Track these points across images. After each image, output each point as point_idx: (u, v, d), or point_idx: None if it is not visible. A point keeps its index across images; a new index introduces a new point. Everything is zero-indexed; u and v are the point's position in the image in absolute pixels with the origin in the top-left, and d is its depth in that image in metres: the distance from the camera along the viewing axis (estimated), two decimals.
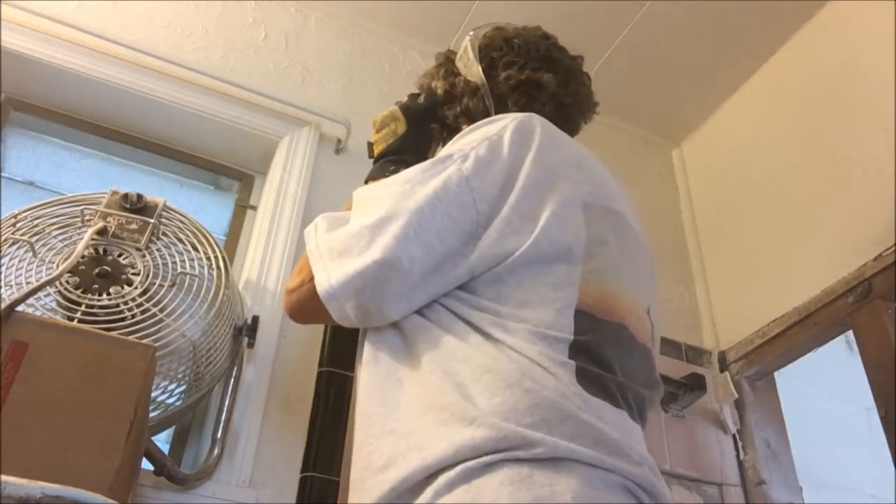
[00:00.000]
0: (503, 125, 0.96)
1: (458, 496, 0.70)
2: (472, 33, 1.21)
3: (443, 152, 0.96)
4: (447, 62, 1.25)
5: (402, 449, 0.77)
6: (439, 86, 1.23)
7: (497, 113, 1.11)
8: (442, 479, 0.72)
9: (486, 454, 0.72)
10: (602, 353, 0.84)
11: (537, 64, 1.16)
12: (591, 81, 1.24)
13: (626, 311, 0.91)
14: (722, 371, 1.82)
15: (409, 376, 0.84)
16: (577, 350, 0.82)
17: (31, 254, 1.07)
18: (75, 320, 1.00)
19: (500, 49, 1.18)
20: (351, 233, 0.89)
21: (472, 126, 1.00)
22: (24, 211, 1.14)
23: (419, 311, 0.89)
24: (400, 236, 0.85)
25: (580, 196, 0.94)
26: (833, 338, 1.66)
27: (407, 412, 0.80)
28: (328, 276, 0.87)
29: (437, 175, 0.91)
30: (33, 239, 1.09)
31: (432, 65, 1.29)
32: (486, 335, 0.82)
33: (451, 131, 1.13)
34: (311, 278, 0.90)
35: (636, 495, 0.75)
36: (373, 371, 0.88)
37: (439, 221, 0.87)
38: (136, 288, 1.09)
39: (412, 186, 0.90)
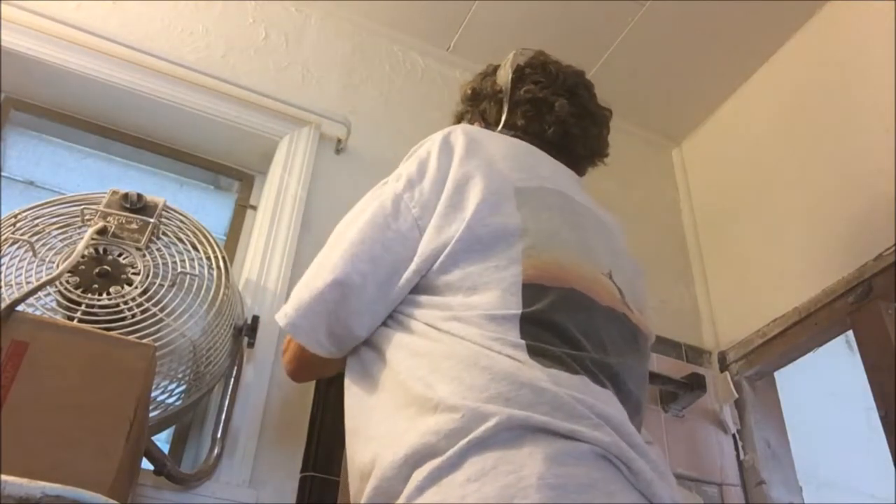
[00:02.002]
0: (431, 142, 1.05)
1: (428, 499, 0.70)
2: (519, 50, 1.28)
3: (389, 177, 1.05)
4: (490, 69, 1.31)
5: (379, 451, 0.79)
6: (469, 86, 1.31)
7: (507, 120, 1.20)
8: (413, 482, 0.72)
9: (450, 443, 0.72)
10: (554, 319, 0.86)
11: (559, 90, 1.22)
12: (608, 133, 1.29)
13: (577, 276, 0.93)
14: (722, 371, 1.82)
15: (382, 383, 0.88)
16: (529, 323, 0.84)
17: (31, 253, 1.07)
18: (75, 320, 1.00)
19: (534, 68, 1.25)
20: (308, 271, 0.99)
21: (411, 151, 1.08)
22: (24, 211, 1.14)
23: (382, 322, 0.95)
24: (346, 256, 0.93)
25: (510, 182, 1.00)
26: (833, 338, 1.66)
27: (382, 417, 0.84)
28: (285, 310, 0.96)
29: (375, 199, 1.00)
30: (33, 239, 1.09)
31: (428, 62, 1.39)
32: (443, 331, 0.86)
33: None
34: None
35: (611, 461, 0.73)
36: (354, 391, 0.92)
37: (380, 234, 0.95)
38: (136, 287, 1.09)
39: (355, 215, 1.00)
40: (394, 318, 0.94)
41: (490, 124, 1.23)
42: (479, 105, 1.27)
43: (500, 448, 0.71)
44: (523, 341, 0.83)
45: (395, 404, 0.82)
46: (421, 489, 0.71)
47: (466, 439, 0.72)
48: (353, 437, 0.89)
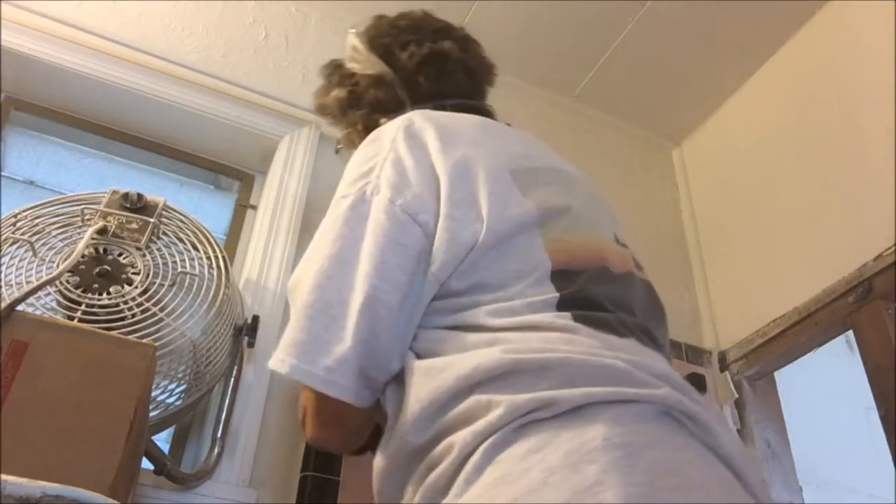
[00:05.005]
0: (391, 139, 0.92)
1: (487, 478, 0.65)
2: (352, 30, 1.19)
3: (346, 190, 0.88)
4: (336, 70, 1.20)
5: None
6: (339, 94, 1.17)
7: (410, 96, 1.11)
8: (470, 465, 0.67)
9: (503, 424, 0.67)
10: (590, 295, 0.83)
11: (433, 36, 1.15)
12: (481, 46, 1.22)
13: (598, 249, 0.90)
14: (722, 371, 1.82)
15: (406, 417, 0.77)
16: (566, 304, 0.81)
17: (31, 253, 1.07)
18: (75, 320, 1.00)
19: (389, 34, 1.16)
20: (318, 316, 0.79)
21: (356, 153, 0.94)
22: (25, 210, 1.14)
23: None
24: (368, 293, 0.79)
25: (503, 167, 0.92)
26: (833, 338, 1.66)
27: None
28: (311, 369, 0.77)
29: (363, 221, 0.84)
30: (33, 238, 1.09)
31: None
32: (474, 330, 0.79)
33: (368, 131, 1.03)
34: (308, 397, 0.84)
35: (674, 416, 0.69)
36: (384, 452, 0.78)
37: (392, 257, 0.81)
38: (136, 287, 1.09)
39: (349, 244, 0.83)
40: (414, 337, 0.83)
41: (393, 111, 1.09)
42: (364, 102, 1.14)
43: (559, 421, 0.67)
44: (567, 312, 0.78)
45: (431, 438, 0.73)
46: (479, 470, 0.66)
47: (523, 418, 0.67)
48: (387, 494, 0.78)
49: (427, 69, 1.12)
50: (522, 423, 0.67)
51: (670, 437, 0.67)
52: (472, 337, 0.78)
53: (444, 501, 0.68)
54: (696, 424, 0.70)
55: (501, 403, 0.68)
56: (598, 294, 0.84)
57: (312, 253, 0.85)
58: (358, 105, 1.15)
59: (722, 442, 0.70)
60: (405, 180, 0.87)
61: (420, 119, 0.94)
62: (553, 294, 0.81)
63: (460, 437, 0.69)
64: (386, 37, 1.15)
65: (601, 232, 0.94)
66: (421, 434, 0.73)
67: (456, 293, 0.83)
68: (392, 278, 0.80)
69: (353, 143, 1.16)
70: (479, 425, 0.68)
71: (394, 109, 1.09)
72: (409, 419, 0.74)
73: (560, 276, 0.84)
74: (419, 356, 0.80)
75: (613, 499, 0.58)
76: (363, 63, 1.15)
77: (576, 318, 0.78)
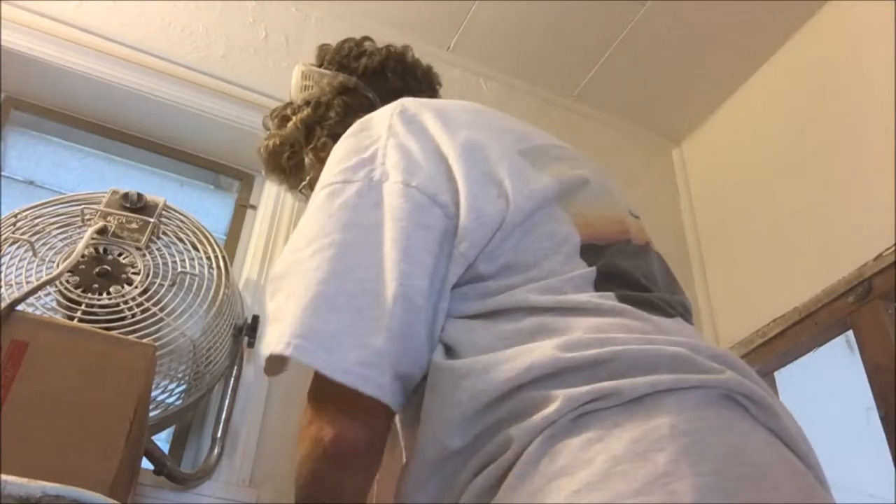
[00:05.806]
0: (387, 126, 0.86)
1: (544, 471, 0.61)
2: (298, 65, 1.22)
3: (346, 176, 0.81)
4: (287, 106, 1.18)
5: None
6: (300, 116, 1.13)
7: (379, 95, 1.10)
8: (526, 456, 0.63)
9: (561, 414, 0.63)
10: (623, 272, 0.80)
11: (383, 47, 1.18)
12: None
13: (618, 222, 0.88)
14: None
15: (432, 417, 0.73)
16: (605, 282, 0.77)
17: (31, 253, 1.07)
18: (75, 320, 1.00)
19: (338, 52, 1.18)
20: (334, 307, 0.71)
21: (339, 143, 0.88)
22: (25, 210, 1.14)
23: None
24: (401, 281, 0.73)
25: (510, 146, 0.88)
26: (833, 338, 1.65)
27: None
28: (342, 364, 0.68)
29: (376, 207, 0.78)
30: (33, 238, 1.09)
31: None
32: (509, 311, 0.74)
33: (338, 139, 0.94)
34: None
35: (737, 401, 0.66)
36: (413, 459, 0.73)
37: (417, 240, 0.76)
38: (136, 287, 1.09)
39: (366, 232, 0.77)
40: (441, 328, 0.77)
41: (366, 112, 0.98)
42: (332, 111, 1.10)
43: (621, 409, 0.63)
44: (610, 292, 0.75)
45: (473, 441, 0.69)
46: (535, 462, 0.62)
47: (582, 407, 0.63)
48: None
49: (392, 63, 1.14)
50: (580, 414, 0.63)
51: (736, 422, 0.65)
52: (511, 326, 0.73)
53: (495, 501, 0.63)
54: (759, 408, 0.67)
55: (559, 397, 0.64)
56: (628, 268, 0.81)
57: (310, 241, 0.76)
58: (326, 115, 1.10)
59: (785, 425, 0.68)
60: (414, 164, 0.81)
61: (413, 105, 0.89)
62: (586, 269, 0.78)
63: (514, 434, 0.64)
64: (336, 54, 1.17)
65: (618, 204, 0.91)
66: (460, 437, 0.68)
67: (483, 277, 0.78)
68: (420, 263, 0.74)
69: (322, 160, 1.03)
70: (534, 420, 0.64)
71: (367, 110, 1.00)
72: (446, 423, 0.69)
73: (588, 251, 0.80)
74: (449, 347, 0.74)
75: (685, 489, 0.56)
76: (319, 83, 1.14)
77: (620, 299, 0.75)
